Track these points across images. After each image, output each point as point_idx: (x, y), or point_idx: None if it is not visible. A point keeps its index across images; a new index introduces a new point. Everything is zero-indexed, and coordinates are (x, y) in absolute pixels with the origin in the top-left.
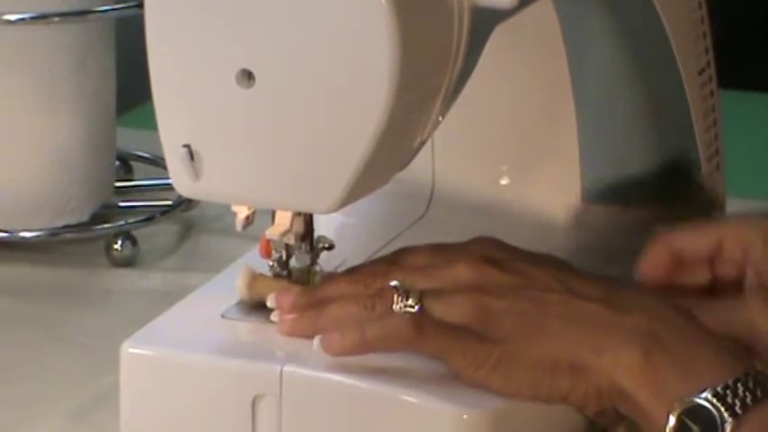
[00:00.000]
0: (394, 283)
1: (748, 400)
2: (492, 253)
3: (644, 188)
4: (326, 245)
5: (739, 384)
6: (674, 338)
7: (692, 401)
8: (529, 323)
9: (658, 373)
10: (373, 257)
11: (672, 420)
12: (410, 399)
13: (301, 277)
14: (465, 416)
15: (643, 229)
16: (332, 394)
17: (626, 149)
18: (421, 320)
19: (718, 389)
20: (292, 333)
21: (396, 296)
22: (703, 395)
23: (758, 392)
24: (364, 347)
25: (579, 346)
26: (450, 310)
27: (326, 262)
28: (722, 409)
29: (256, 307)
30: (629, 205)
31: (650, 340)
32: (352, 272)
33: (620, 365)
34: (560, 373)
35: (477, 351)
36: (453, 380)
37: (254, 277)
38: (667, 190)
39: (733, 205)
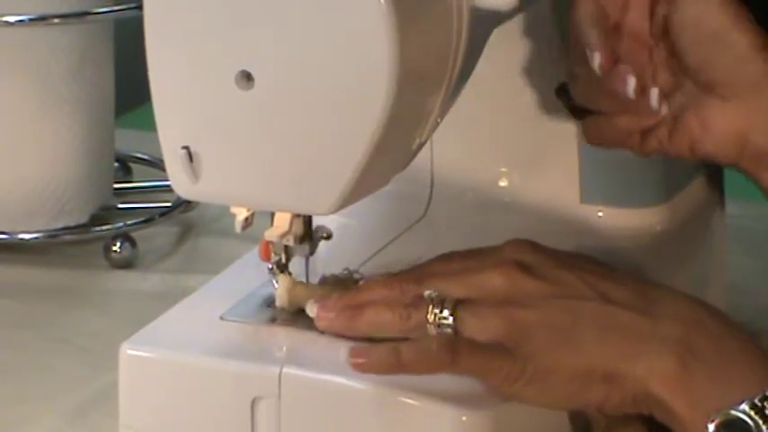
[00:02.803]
0: (428, 292)
1: None
2: (524, 257)
3: (644, 188)
4: (325, 234)
5: None
6: (709, 347)
7: (730, 413)
8: (562, 335)
9: (694, 382)
10: (373, 258)
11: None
12: (409, 400)
13: (339, 284)
14: (464, 417)
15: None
16: (331, 396)
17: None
18: (455, 344)
19: (756, 400)
20: (328, 329)
21: (430, 306)
22: (741, 407)
23: None
24: (398, 370)
25: (613, 355)
26: (483, 325)
27: (327, 266)
28: (760, 421)
29: (296, 314)
30: (629, 205)
31: (685, 349)
32: (389, 277)
33: (654, 374)
34: (595, 382)
35: (510, 369)
36: (453, 381)
37: (294, 284)
38: (667, 190)
39: (733, 206)
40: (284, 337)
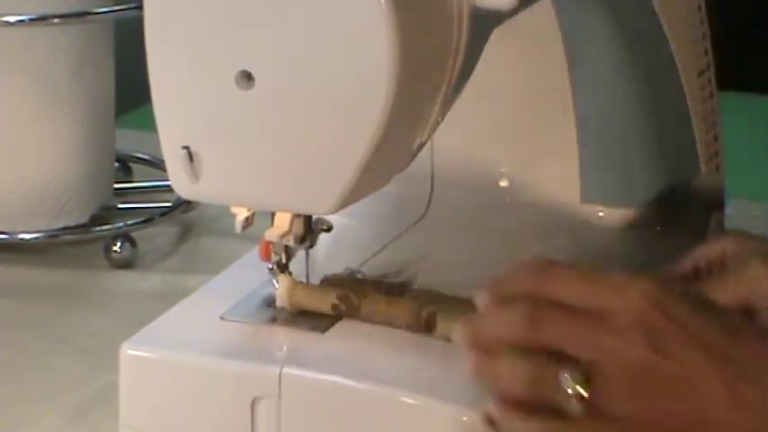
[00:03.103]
0: (566, 375)
1: None
2: (659, 322)
3: (644, 188)
4: (325, 227)
5: None
6: None
7: None
8: (684, 427)
9: None
10: (373, 259)
11: None
12: (410, 400)
13: (341, 284)
14: (465, 417)
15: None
16: (331, 396)
17: (626, 150)
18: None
19: None
20: (469, 372)
21: (559, 377)
22: None
23: None
24: None
25: None
26: (615, 402)
27: (328, 266)
28: None
29: (296, 314)
30: (629, 205)
31: None
32: (502, 302)
33: None
34: None
35: None
36: (453, 381)
37: (294, 284)
38: (667, 191)
39: (733, 206)
40: (284, 337)
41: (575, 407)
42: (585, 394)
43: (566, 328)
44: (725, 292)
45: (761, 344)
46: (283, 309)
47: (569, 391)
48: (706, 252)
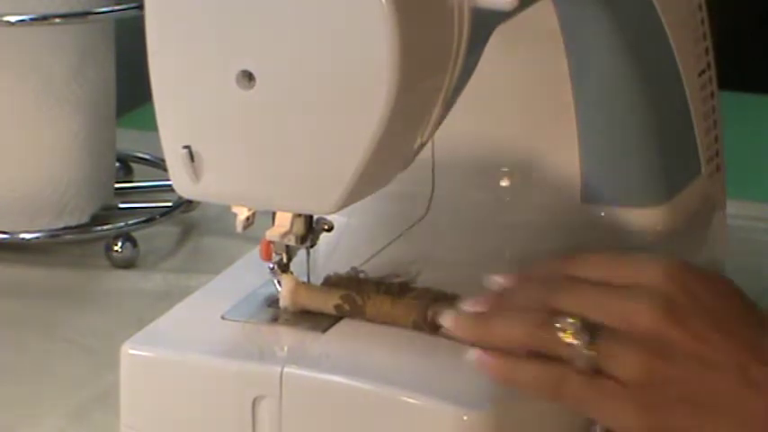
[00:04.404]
0: (564, 321)
1: None
2: (677, 295)
3: (644, 189)
4: (326, 226)
5: None
6: None
7: None
8: (692, 401)
9: None
10: (374, 259)
11: None
12: (410, 400)
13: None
14: (465, 417)
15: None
16: (332, 395)
17: (626, 150)
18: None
19: None
20: (455, 331)
21: (566, 331)
22: None
23: None
24: (512, 384)
25: None
26: (621, 364)
27: (329, 266)
28: None
29: (298, 313)
30: (629, 205)
31: None
32: (522, 278)
33: None
34: None
35: (628, 414)
36: (453, 380)
37: (297, 285)
38: (667, 191)
39: (733, 206)
40: (285, 337)
41: (579, 358)
42: (587, 349)
43: (582, 296)
44: None
45: None
46: (285, 308)
47: (571, 341)
48: None
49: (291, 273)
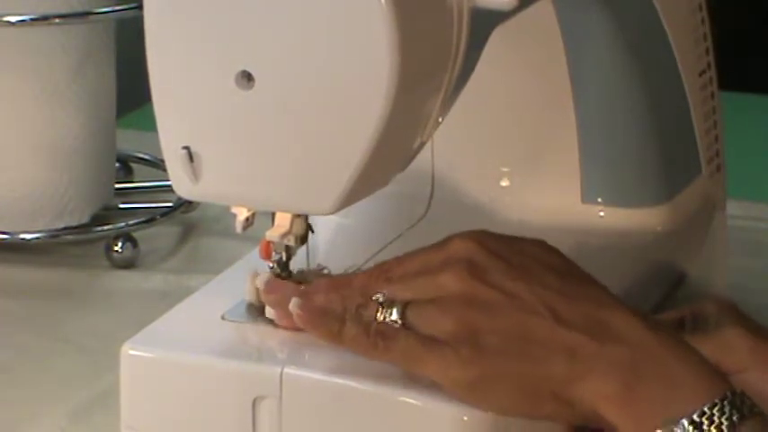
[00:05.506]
0: (376, 296)
1: (724, 427)
2: (476, 257)
3: (644, 189)
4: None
5: (715, 410)
6: (655, 368)
7: (672, 429)
8: (512, 346)
9: (639, 404)
10: (374, 258)
11: None
12: (410, 400)
13: (305, 280)
14: (465, 417)
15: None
16: (332, 396)
17: (626, 150)
18: (395, 331)
19: (695, 416)
20: (271, 306)
21: (379, 309)
22: (681, 422)
23: (734, 417)
24: (338, 342)
25: (560, 378)
26: (432, 324)
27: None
28: None
29: (264, 310)
30: (629, 205)
31: (630, 372)
32: (338, 279)
33: (600, 397)
34: (542, 398)
35: (449, 361)
36: None
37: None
38: (667, 191)
39: (733, 207)
40: (285, 338)
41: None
42: (400, 322)
43: (395, 285)
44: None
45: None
46: (251, 304)
47: (382, 317)
48: (691, 308)
49: (290, 272)
